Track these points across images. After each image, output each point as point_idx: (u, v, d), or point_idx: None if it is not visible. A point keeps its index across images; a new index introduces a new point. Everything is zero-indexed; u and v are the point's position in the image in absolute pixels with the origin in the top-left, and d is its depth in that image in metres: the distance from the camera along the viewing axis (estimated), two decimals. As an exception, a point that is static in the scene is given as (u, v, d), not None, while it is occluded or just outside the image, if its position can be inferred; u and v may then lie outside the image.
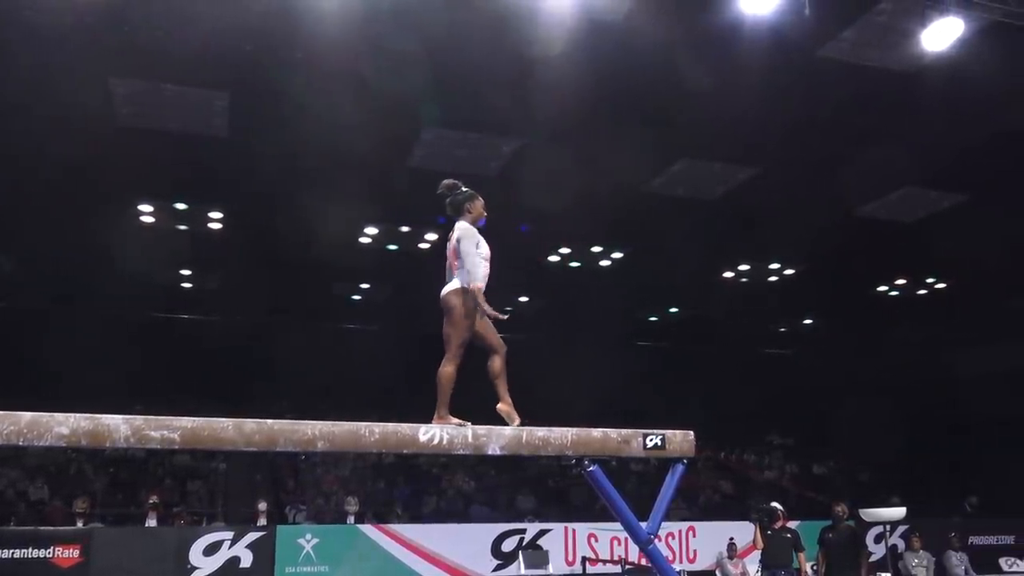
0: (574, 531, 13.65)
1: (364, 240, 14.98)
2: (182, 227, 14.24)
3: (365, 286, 18.05)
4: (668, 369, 20.52)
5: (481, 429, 4.61)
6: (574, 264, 16.54)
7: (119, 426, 4.03)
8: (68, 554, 11.07)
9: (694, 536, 14.27)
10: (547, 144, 11.21)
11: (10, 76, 9.29)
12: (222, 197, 13.14)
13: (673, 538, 14.15)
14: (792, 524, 10.45)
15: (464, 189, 5.23)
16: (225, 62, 9.28)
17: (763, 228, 14.16)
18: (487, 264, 5.04)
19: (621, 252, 16.07)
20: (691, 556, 14.12)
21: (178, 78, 9.69)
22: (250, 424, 4.27)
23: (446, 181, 5.28)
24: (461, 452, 4.69)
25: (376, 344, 17.74)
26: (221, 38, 8.78)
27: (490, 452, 4.64)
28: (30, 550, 10.94)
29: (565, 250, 15.90)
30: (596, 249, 15.92)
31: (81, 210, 12.48)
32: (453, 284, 5.02)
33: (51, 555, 10.99)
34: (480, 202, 5.23)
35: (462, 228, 5.10)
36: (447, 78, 9.61)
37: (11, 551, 10.86)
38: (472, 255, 4.97)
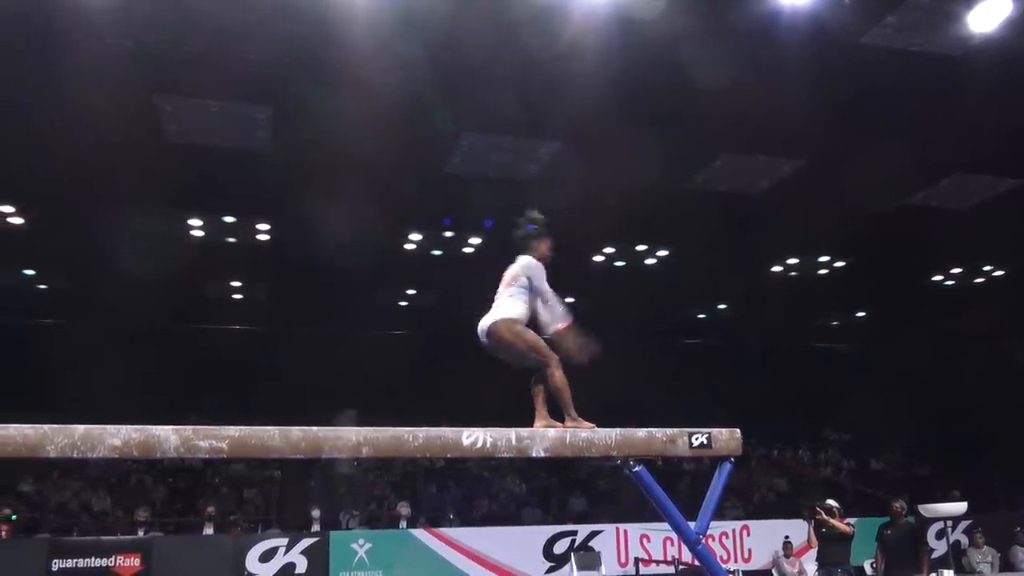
0: (626, 532, 13.57)
1: (408, 247, 15.09)
2: (231, 239, 14.53)
3: (411, 292, 18.17)
4: (716, 366, 20.29)
5: (524, 432, 4.59)
6: (619, 263, 16.44)
7: (168, 436, 4.09)
8: (130, 563, 11.35)
9: (748, 535, 14.10)
10: (585, 145, 11.16)
11: (57, 96, 9.52)
12: (268, 210, 13.36)
13: (727, 537, 14.00)
14: (851, 520, 10.26)
15: (535, 227, 5.12)
16: (265, 77, 9.42)
17: (810, 221, 13.93)
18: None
19: (666, 250, 15.94)
20: (746, 555, 13.94)
21: (221, 94, 9.87)
22: (295, 432, 4.31)
23: (529, 212, 5.17)
24: (505, 455, 4.67)
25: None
26: (260, 53, 8.92)
27: (534, 455, 4.60)
28: (93, 559, 11.25)
29: (609, 249, 15.82)
30: (640, 247, 15.82)
31: (129, 225, 12.79)
32: (503, 313, 4.90)
33: (113, 564, 11.28)
34: (547, 243, 5.13)
35: (527, 263, 5.01)
36: (481, 83, 9.62)
37: (75, 560, 11.18)
38: (550, 292, 4.92)
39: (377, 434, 4.42)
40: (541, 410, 5.03)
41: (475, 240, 14.91)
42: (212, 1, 8.15)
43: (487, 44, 8.96)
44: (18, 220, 13.28)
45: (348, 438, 4.37)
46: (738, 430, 5.01)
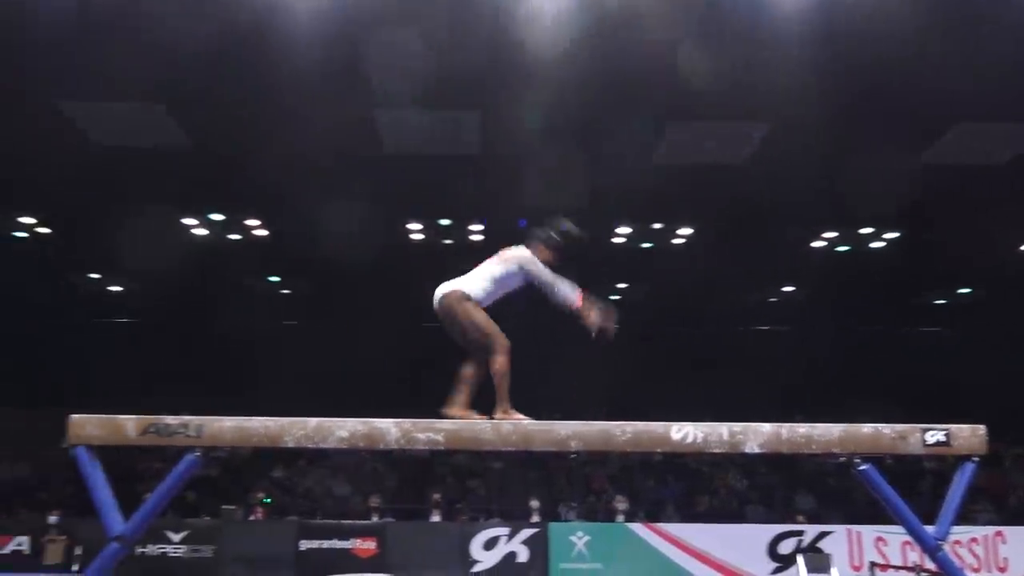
0: (859, 534, 12.79)
1: (617, 240, 15.05)
2: (448, 241, 15.19)
3: (622, 286, 18.11)
4: (958, 353, 18.55)
5: (737, 427, 4.44)
6: (842, 248, 15.48)
7: (390, 429, 4.37)
8: (366, 546, 12.21)
9: (1003, 542, 12.77)
10: (800, 125, 10.55)
11: (281, 116, 10.36)
12: (480, 211, 13.84)
13: (978, 544, 12.75)
14: None
15: (557, 238, 5.01)
16: (471, 83, 9.74)
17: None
18: None
19: (896, 232, 14.79)
20: (1000, 564, 12.64)
21: (430, 102, 10.32)
22: (506, 425, 4.45)
23: (565, 223, 5.10)
24: (717, 451, 4.54)
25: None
26: (463, 60, 9.21)
27: (747, 450, 4.45)
28: (335, 541, 12.23)
29: (831, 234, 14.92)
30: (865, 231, 14.78)
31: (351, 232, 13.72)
32: (460, 285, 4.87)
33: (352, 547, 12.18)
34: (555, 255, 4.98)
35: (524, 255, 4.94)
36: (683, 69, 9.37)
37: (319, 542, 12.20)
38: (550, 275, 4.84)
39: (585, 428, 4.46)
40: (462, 397, 4.83)
41: (685, 231, 14.67)
42: (417, 13, 8.55)
43: (693, 28, 8.75)
44: (263, 232, 14.69)
45: (557, 432, 4.44)
46: (982, 427, 4.60)
